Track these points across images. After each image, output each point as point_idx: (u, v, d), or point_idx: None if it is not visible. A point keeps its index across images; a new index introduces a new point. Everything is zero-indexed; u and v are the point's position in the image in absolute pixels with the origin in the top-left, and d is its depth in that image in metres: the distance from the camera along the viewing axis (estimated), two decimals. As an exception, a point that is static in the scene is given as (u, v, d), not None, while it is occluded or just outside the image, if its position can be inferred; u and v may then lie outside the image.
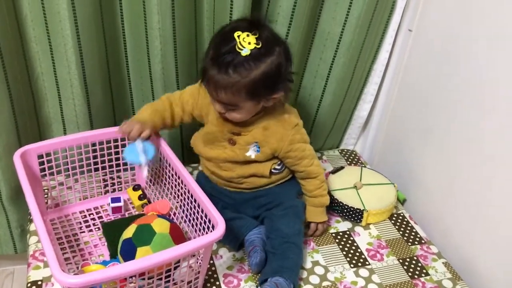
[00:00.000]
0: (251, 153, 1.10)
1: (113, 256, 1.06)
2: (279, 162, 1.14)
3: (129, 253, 0.95)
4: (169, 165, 1.11)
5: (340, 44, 1.26)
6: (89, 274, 0.81)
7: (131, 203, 1.23)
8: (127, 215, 1.19)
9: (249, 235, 1.09)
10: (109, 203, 1.18)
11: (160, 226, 0.98)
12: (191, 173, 1.30)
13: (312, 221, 1.17)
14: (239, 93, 0.97)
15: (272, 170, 1.14)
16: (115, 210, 1.18)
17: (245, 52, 0.94)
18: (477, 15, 1.08)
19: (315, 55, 1.31)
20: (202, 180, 1.20)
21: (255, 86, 0.97)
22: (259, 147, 1.10)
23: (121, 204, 1.18)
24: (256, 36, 0.95)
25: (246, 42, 0.95)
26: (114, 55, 1.21)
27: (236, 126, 1.09)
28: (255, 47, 0.95)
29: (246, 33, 0.95)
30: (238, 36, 0.95)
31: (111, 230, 1.11)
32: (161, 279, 0.91)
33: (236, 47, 0.94)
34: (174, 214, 1.16)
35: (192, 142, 1.19)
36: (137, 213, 1.20)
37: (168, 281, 0.93)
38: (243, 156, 1.11)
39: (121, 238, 1.00)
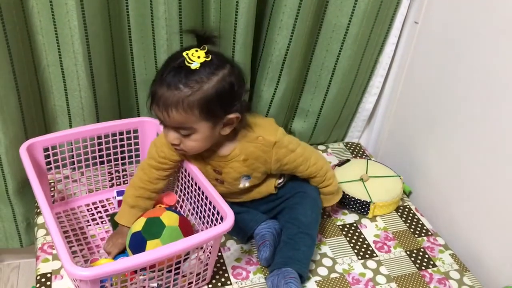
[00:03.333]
0: (244, 183, 1.07)
1: None
2: (279, 177, 1.12)
3: (138, 247, 0.95)
4: (176, 158, 1.11)
5: (346, 36, 1.26)
6: (100, 267, 0.81)
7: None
8: (133, 208, 1.19)
9: (258, 229, 1.09)
10: (115, 196, 1.17)
11: (169, 219, 0.97)
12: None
13: (326, 206, 1.18)
14: (192, 109, 0.90)
15: (277, 186, 1.12)
16: (121, 203, 1.17)
17: (194, 65, 0.90)
18: (484, 7, 1.08)
19: (321, 47, 1.30)
20: None
21: (207, 101, 0.91)
22: (249, 176, 1.06)
23: None
24: (205, 51, 0.92)
25: (195, 57, 0.91)
26: (119, 46, 1.20)
27: (215, 162, 1.04)
28: (205, 60, 0.91)
29: (195, 49, 0.92)
30: (187, 54, 0.91)
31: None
32: (170, 271, 0.91)
33: (185, 62, 0.90)
34: (181, 206, 1.16)
35: None
36: (143, 206, 1.19)
37: (177, 273, 0.93)
38: (238, 189, 1.08)
39: (129, 231, 1.00)
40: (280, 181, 1.13)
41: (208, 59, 0.91)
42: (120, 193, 1.17)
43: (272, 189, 1.11)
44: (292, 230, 1.07)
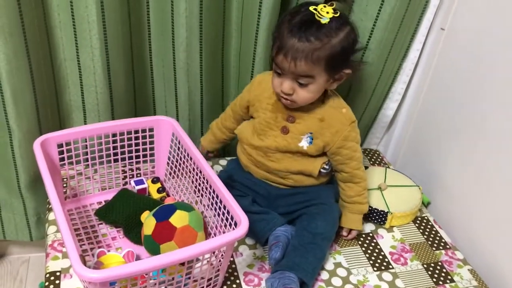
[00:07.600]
0: (304, 144, 1.08)
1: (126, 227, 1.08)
2: (327, 162, 1.12)
3: (165, 214, 0.99)
4: (190, 159, 1.08)
5: (370, 40, 1.22)
6: (110, 269, 0.79)
7: (149, 195, 1.20)
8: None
9: (276, 230, 1.07)
10: (134, 186, 1.16)
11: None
12: (211, 167, 1.27)
13: (347, 227, 1.14)
14: (319, 61, 0.97)
15: (321, 170, 1.11)
16: (140, 192, 1.17)
17: (324, 20, 0.96)
18: (515, 15, 1.04)
19: (344, 51, 1.27)
20: (236, 169, 1.19)
21: (334, 55, 0.97)
22: (312, 138, 1.08)
23: (145, 185, 1.17)
24: (333, 7, 0.98)
25: (324, 12, 0.96)
26: (138, 42, 1.18)
27: (293, 111, 1.08)
28: (333, 16, 0.97)
29: (323, 4, 0.98)
30: (315, 9, 0.97)
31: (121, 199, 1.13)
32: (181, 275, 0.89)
33: (316, 16, 0.96)
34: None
35: (238, 130, 1.17)
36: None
37: (189, 278, 0.91)
38: (295, 146, 1.08)
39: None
40: (327, 167, 1.12)
41: (336, 15, 0.97)
42: (137, 182, 1.18)
43: (317, 171, 1.10)
44: (306, 238, 1.04)
